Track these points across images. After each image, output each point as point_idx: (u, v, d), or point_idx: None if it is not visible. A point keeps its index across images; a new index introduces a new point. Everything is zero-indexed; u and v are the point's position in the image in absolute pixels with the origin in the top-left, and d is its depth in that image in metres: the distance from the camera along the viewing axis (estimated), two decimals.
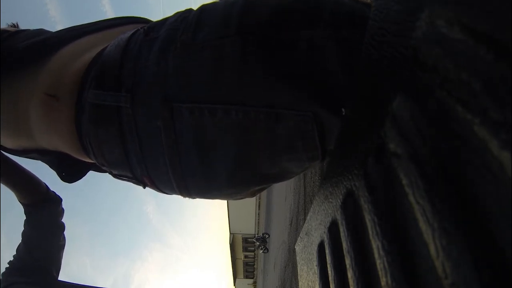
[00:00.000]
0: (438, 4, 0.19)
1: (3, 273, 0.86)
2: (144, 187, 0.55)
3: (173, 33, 0.46)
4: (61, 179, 0.67)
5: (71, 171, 0.67)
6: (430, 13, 0.19)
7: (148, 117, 0.45)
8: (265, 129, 0.43)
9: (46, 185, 0.90)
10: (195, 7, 0.50)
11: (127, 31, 0.53)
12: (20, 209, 0.86)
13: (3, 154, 0.75)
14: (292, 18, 0.42)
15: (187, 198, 0.56)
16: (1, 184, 0.79)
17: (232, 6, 0.45)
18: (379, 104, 0.25)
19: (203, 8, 0.48)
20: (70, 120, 0.52)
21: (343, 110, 0.48)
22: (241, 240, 23.10)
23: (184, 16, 0.48)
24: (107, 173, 0.64)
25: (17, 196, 0.86)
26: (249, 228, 20.68)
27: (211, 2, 0.50)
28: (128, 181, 0.56)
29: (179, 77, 0.44)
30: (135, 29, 0.52)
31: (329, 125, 0.43)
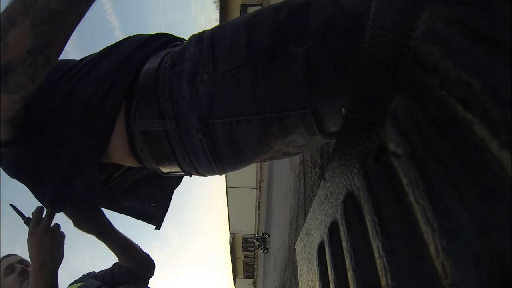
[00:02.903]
0: (438, 4, 0.19)
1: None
2: (190, 176, 0.73)
3: (197, 67, 0.60)
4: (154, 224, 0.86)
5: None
6: (430, 13, 0.19)
7: (190, 133, 0.61)
8: (278, 126, 0.58)
9: (148, 255, 1.05)
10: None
11: (151, 59, 0.66)
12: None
13: (109, 223, 0.93)
14: (285, 38, 0.55)
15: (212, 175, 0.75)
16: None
17: (238, 38, 0.58)
18: (379, 104, 0.25)
19: (213, 37, 0.61)
20: (124, 140, 0.66)
21: (343, 110, 0.50)
22: (241, 240, 23.10)
23: (200, 47, 0.61)
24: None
25: (120, 260, 1.01)
26: (249, 228, 20.67)
27: (215, 27, 0.63)
28: (176, 175, 0.73)
29: (209, 101, 0.59)
30: (158, 63, 0.65)
31: (324, 114, 0.56)
